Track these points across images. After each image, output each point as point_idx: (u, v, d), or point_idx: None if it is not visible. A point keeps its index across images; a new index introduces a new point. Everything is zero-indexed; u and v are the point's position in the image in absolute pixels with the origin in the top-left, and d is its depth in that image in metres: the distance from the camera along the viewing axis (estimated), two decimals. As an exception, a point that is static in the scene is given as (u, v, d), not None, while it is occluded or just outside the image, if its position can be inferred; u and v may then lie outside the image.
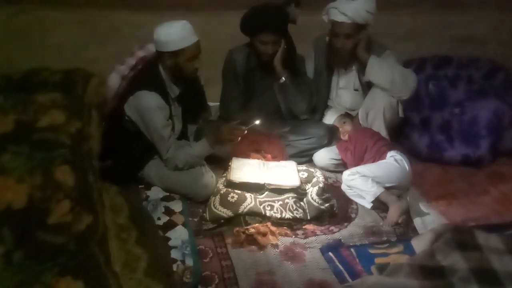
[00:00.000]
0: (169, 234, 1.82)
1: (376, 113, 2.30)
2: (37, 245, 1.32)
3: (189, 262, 1.68)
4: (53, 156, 1.51)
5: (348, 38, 2.25)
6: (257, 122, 2.01)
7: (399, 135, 2.51)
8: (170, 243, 1.77)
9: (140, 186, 2.09)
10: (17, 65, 2.09)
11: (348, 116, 2.47)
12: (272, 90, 2.39)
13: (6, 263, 1.25)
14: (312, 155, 2.38)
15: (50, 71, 1.98)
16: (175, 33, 1.89)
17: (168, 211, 1.95)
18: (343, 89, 2.49)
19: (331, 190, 2.18)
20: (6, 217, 1.30)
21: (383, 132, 2.31)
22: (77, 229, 1.42)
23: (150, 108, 1.95)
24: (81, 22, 2.56)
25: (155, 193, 2.05)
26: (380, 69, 2.25)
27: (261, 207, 1.92)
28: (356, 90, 2.47)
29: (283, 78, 2.30)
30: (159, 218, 1.90)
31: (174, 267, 1.64)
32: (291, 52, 2.31)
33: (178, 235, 1.81)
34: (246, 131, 1.99)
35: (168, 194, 2.05)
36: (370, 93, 2.35)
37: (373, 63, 2.26)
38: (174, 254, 1.70)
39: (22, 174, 1.40)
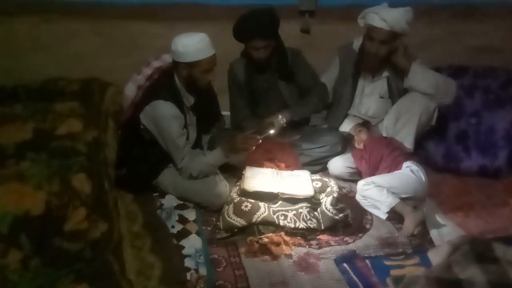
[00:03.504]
0: (183, 242, 1.82)
1: (411, 117, 2.29)
2: (54, 252, 1.34)
3: (203, 271, 1.68)
4: (70, 163, 1.54)
5: (383, 44, 2.27)
6: (272, 131, 2.02)
7: (416, 145, 2.48)
8: (184, 251, 1.77)
9: (154, 194, 2.10)
10: (37, 74, 2.14)
11: (364, 125, 2.45)
12: (277, 91, 2.42)
13: (23, 269, 1.27)
14: (326, 163, 2.37)
15: (67, 81, 2.03)
16: (192, 44, 1.91)
17: (182, 220, 1.96)
18: (368, 96, 2.50)
19: (346, 200, 2.16)
20: (25, 224, 1.32)
21: (410, 140, 2.29)
22: (93, 237, 1.44)
23: (165, 117, 1.97)
24: (99, 33, 2.61)
25: (169, 201, 2.06)
26: (423, 75, 2.29)
27: (275, 216, 1.91)
28: (381, 97, 2.47)
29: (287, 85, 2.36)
30: (173, 227, 1.91)
31: (188, 275, 1.64)
32: (282, 53, 2.34)
33: (192, 243, 1.82)
34: (260, 141, 2.00)
35: (182, 202, 2.07)
36: (406, 98, 2.35)
37: (416, 69, 2.29)
38: (188, 262, 1.71)
39: (40, 181, 1.43)
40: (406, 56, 2.31)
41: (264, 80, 2.41)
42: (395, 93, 2.42)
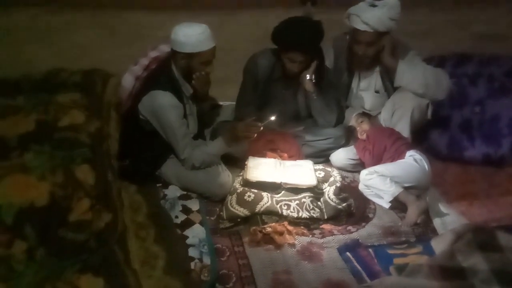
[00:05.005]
0: (187, 232, 1.83)
1: (404, 113, 2.25)
2: (59, 242, 1.36)
3: (207, 260, 1.69)
4: (73, 155, 1.55)
5: (370, 46, 2.21)
6: (272, 118, 2.00)
7: (419, 134, 2.47)
8: (188, 241, 1.78)
9: (158, 185, 2.10)
10: (38, 66, 2.13)
11: (365, 115, 2.44)
12: (294, 100, 2.35)
13: (29, 260, 1.28)
14: (329, 155, 2.35)
15: (69, 72, 2.02)
16: (194, 35, 1.89)
17: (186, 210, 1.97)
18: (364, 91, 2.46)
19: (348, 189, 2.16)
20: (29, 214, 1.33)
21: (406, 133, 2.27)
22: (97, 227, 1.45)
23: (164, 107, 1.95)
24: (100, 23, 2.60)
25: (173, 192, 2.07)
26: (412, 74, 2.20)
27: (278, 206, 1.91)
28: (377, 92, 2.42)
29: (314, 95, 2.24)
30: (176, 217, 1.92)
31: (192, 265, 1.65)
32: (322, 70, 2.23)
33: (196, 233, 1.83)
34: (261, 128, 1.99)
35: (185, 193, 2.07)
36: (399, 93, 2.31)
37: (404, 69, 2.20)
38: (192, 252, 1.72)
39: (44, 172, 1.44)
40: (393, 54, 2.23)
41: (285, 87, 2.32)
42: (390, 87, 2.37)
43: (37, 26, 2.54)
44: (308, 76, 2.19)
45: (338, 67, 2.43)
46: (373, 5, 2.18)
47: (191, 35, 1.89)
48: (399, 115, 2.29)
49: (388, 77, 2.32)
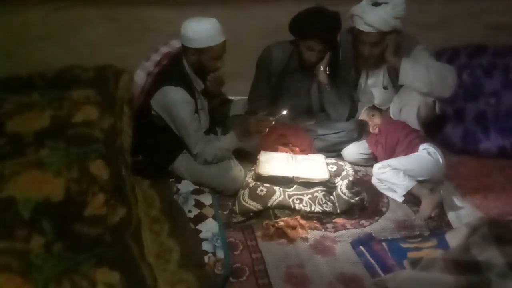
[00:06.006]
0: (200, 226, 1.85)
1: (410, 110, 2.22)
2: (75, 237, 1.37)
3: (220, 254, 1.70)
4: (88, 150, 1.56)
5: (375, 46, 2.16)
6: (284, 112, 1.99)
7: (433, 127, 2.44)
8: (201, 235, 1.79)
9: (171, 180, 2.12)
10: (51, 63, 2.16)
11: (376, 108, 2.41)
12: (308, 93, 2.34)
13: (46, 254, 1.30)
14: (341, 149, 2.34)
15: (82, 68, 2.04)
16: (203, 30, 1.89)
17: (199, 204, 1.98)
18: (372, 87, 2.42)
19: (361, 183, 2.16)
20: (46, 209, 1.35)
21: (417, 127, 2.23)
22: (112, 221, 1.46)
23: (176, 103, 1.96)
24: (112, 19, 2.61)
25: (186, 186, 2.08)
26: (415, 73, 2.12)
27: (290, 200, 1.91)
28: (385, 88, 2.38)
29: (327, 87, 2.24)
30: (189, 211, 1.93)
31: (206, 259, 1.66)
32: (336, 61, 2.24)
33: (209, 227, 1.84)
34: (273, 122, 1.98)
35: (198, 187, 2.08)
36: (405, 89, 2.26)
37: (406, 67, 2.13)
38: (205, 246, 1.73)
39: (59, 168, 1.45)
40: (397, 52, 2.18)
41: (300, 80, 2.31)
42: (397, 83, 2.31)
43: (50, 24, 2.56)
44: (322, 67, 2.18)
45: (345, 62, 2.39)
46: (376, 4, 2.11)
47: (200, 30, 1.89)
48: (405, 113, 2.26)
49: (395, 73, 2.29)
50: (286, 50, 2.25)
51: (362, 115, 2.37)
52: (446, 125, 2.48)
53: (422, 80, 2.12)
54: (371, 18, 2.08)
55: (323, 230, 1.87)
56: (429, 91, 2.14)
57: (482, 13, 2.95)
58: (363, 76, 2.42)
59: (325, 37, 2.11)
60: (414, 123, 2.25)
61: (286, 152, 2.23)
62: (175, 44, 2.10)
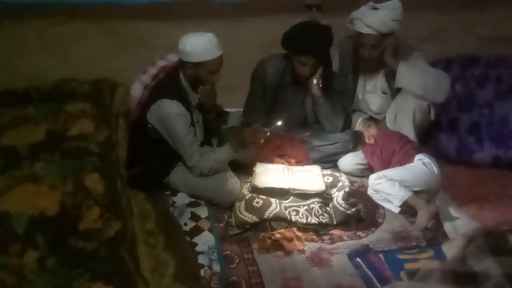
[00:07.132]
0: (196, 239, 1.83)
1: (405, 116, 2.26)
2: (69, 251, 1.36)
3: (216, 267, 1.69)
4: (83, 164, 1.56)
5: (375, 48, 2.23)
6: (279, 123, 2.01)
7: (427, 137, 2.46)
8: (197, 248, 1.78)
9: (166, 193, 2.11)
10: (48, 76, 2.16)
11: (372, 119, 2.43)
12: (302, 106, 2.36)
13: (40, 269, 1.29)
14: (337, 160, 2.35)
15: (78, 82, 2.05)
16: (200, 45, 1.91)
17: (194, 217, 1.97)
18: (371, 93, 2.46)
19: (357, 194, 2.16)
20: (40, 224, 1.34)
21: (412, 136, 2.27)
22: (107, 235, 1.45)
23: (172, 116, 1.97)
24: (107, 33, 2.63)
25: (181, 199, 2.07)
26: (411, 76, 2.21)
27: (287, 212, 1.91)
28: (384, 93, 2.43)
29: (321, 100, 2.27)
30: (185, 224, 1.92)
31: (202, 272, 1.65)
32: (329, 75, 2.27)
33: (205, 240, 1.83)
34: (268, 133, 1.99)
35: (194, 200, 2.07)
36: (400, 95, 2.32)
37: (403, 70, 2.21)
38: (201, 259, 1.72)
39: (54, 181, 1.44)
40: (395, 55, 2.25)
41: (294, 92, 2.33)
42: (394, 88, 2.37)
43: (46, 37, 2.57)
44: (315, 81, 2.20)
45: (344, 70, 2.44)
46: (375, 8, 2.20)
47: (198, 45, 1.91)
48: (401, 119, 2.29)
49: (393, 77, 2.33)
50: (280, 63, 2.28)
51: (358, 125, 2.39)
52: (440, 132, 2.50)
53: (417, 83, 2.19)
54: (371, 20, 2.15)
55: (320, 241, 1.86)
56: (424, 94, 2.21)
57: (475, 25, 2.99)
58: (361, 83, 2.45)
59: (317, 53, 2.14)
60: (409, 131, 2.27)
61: (282, 163, 2.23)
62: (172, 57, 2.12)
